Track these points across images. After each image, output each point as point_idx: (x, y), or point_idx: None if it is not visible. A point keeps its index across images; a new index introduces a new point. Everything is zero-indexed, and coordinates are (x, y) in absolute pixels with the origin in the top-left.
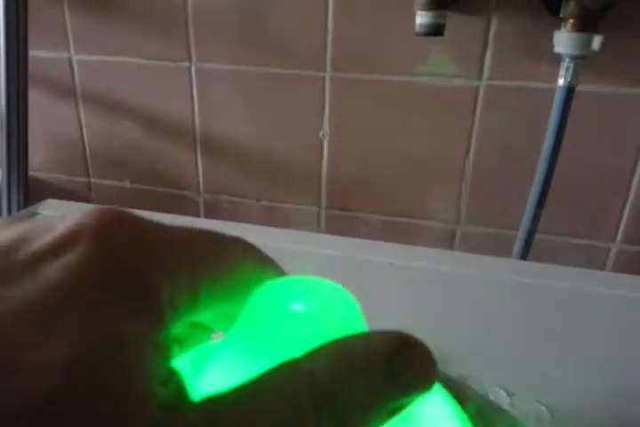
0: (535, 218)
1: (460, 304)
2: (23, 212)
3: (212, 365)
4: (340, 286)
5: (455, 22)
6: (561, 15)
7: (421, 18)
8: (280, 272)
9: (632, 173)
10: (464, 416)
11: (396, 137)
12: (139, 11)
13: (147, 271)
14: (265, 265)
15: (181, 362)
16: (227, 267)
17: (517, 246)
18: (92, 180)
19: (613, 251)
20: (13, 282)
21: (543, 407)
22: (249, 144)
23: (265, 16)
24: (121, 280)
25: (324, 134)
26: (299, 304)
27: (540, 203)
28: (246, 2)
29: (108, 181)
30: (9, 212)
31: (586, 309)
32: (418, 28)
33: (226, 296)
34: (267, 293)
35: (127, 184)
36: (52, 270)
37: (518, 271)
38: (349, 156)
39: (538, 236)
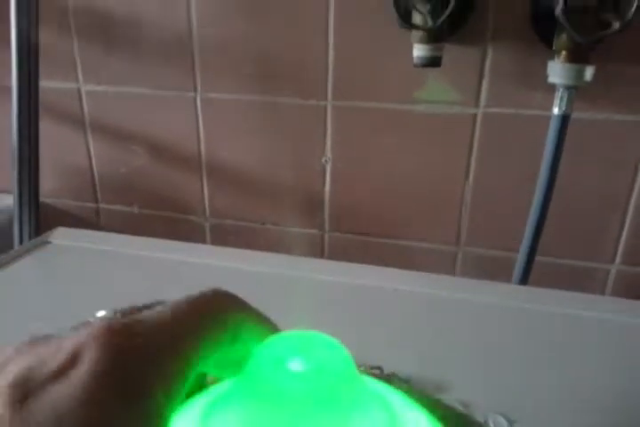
0: (534, 241)
1: (461, 329)
2: (35, 240)
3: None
4: (333, 340)
5: (453, 53)
6: (553, 47)
7: (418, 51)
8: (274, 328)
9: (628, 196)
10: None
11: (397, 162)
12: (146, 42)
13: (143, 380)
14: (261, 322)
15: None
16: (227, 338)
17: (518, 269)
18: (101, 205)
19: (612, 272)
20: (39, 395)
21: None
22: (253, 170)
23: (268, 47)
24: (122, 389)
25: (326, 160)
26: (297, 363)
27: (539, 226)
28: (250, 34)
29: (116, 207)
30: (20, 240)
31: (586, 334)
32: (415, 60)
33: (224, 359)
34: (266, 352)
35: (135, 209)
36: (64, 388)
37: (518, 297)
38: (351, 181)
39: (538, 258)
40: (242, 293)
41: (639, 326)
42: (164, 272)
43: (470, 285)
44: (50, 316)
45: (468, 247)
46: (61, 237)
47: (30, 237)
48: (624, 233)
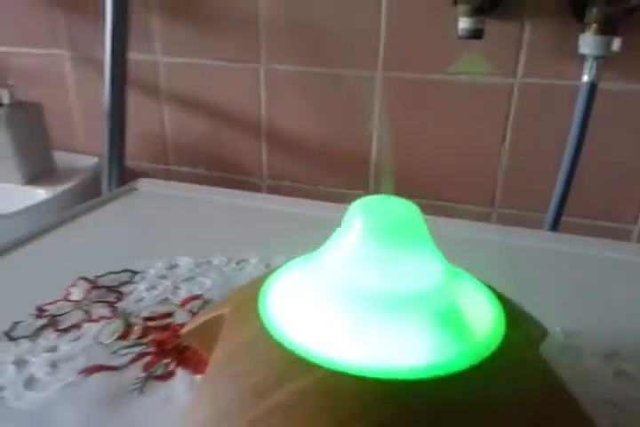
0: (562, 201)
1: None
2: (122, 188)
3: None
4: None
5: (494, 27)
6: (585, 21)
7: (463, 23)
8: None
9: None
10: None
11: (438, 129)
12: (217, 20)
13: None
14: None
15: None
16: None
17: (547, 226)
18: (171, 167)
19: (635, 232)
20: None
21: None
22: (308, 135)
23: (325, 23)
24: None
25: (372, 127)
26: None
27: (567, 187)
28: (309, 11)
29: (184, 169)
30: (109, 189)
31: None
32: (460, 33)
33: None
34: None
35: (201, 171)
36: None
37: (549, 240)
38: (397, 146)
39: (565, 218)
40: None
41: None
42: (230, 216)
43: (506, 230)
44: (135, 252)
45: (502, 209)
46: (147, 185)
47: (117, 188)
48: None
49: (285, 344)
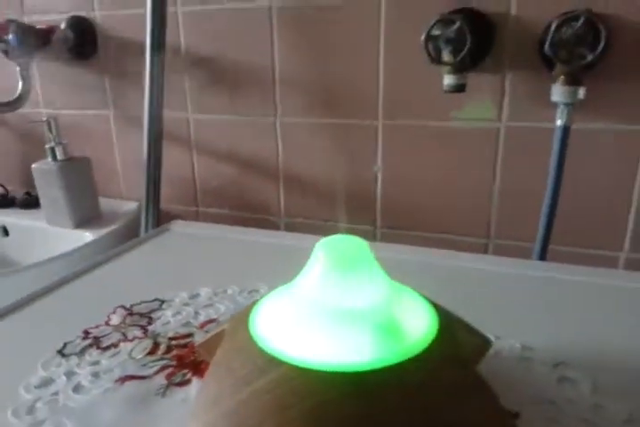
0: (547, 231)
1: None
2: (157, 229)
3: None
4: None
5: (480, 79)
6: (553, 74)
7: (447, 80)
8: None
9: (630, 193)
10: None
11: (435, 169)
12: (238, 81)
13: None
14: None
15: None
16: None
17: (535, 255)
18: (200, 209)
19: (622, 258)
20: None
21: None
22: (319, 178)
23: (332, 81)
24: None
25: (377, 169)
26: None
27: (551, 218)
28: (318, 71)
29: (211, 210)
30: (146, 230)
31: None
32: (445, 88)
33: None
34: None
35: (226, 211)
36: None
37: (537, 269)
38: (398, 186)
39: (553, 247)
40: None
41: None
42: (247, 251)
43: (499, 260)
44: (164, 284)
45: (498, 240)
46: (178, 226)
47: (153, 228)
48: (629, 224)
49: (264, 347)
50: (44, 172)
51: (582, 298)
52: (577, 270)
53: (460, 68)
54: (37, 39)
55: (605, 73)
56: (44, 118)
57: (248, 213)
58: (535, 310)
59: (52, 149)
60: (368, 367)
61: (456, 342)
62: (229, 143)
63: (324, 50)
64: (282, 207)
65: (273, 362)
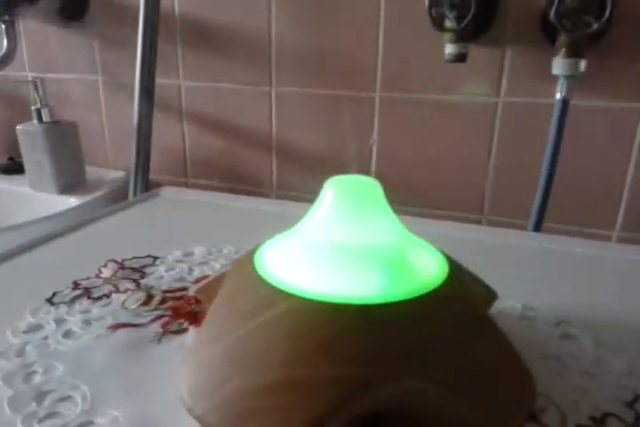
0: (542, 207)
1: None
2: (147, 193)
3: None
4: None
5: (479, 53)
6: (556, 45)
7: (448, 49)
8: None
9: (625, 171)
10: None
11: (431, 143)
12: (232, 47)
13: None
14: None
15: None
16: None
17: (529, 230)
18: (190, 180)
19: (614, 237)
20: None
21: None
22: (314, 150)
23: (329, 50)
24: None
25: (373, 142)
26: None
27: (547, 193)
28: (315, 40)
29: (201, 181)
30: (135, 195)
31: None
32: (446, 57)
33: None
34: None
35: (216, 182)
36: None
37: (533, 239)
38: (393, 159)
39: (548, 224)
40: None
41: None
42: (242, 217)
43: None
44: (157, 243)
45: (490, 216)
46: (168, 192)
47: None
48: (623, 202)
49: (270, 281)
50: (29, 134)
51: (578, 267)
52: (571, 242)
53: (462, 37)
54: None
55: (608, 48)
56: (30, 79)
57: (239, 185)
58: (533, 276)
59: (38, 111)
60: (379, 301)
61: (466, 286)
62: (221, 112)
63: (322, 18)
64: (274, 179)
65: (280, 295)
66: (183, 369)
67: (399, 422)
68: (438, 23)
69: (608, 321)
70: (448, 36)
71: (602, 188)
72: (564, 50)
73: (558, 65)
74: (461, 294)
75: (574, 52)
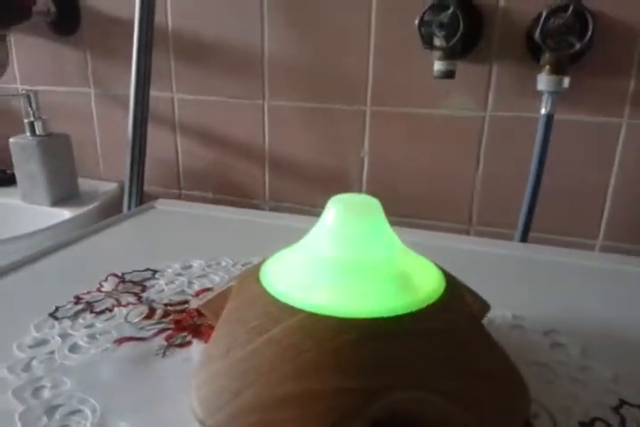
0: (529, 217)
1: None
2: (142, 206)
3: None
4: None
5: (467, 69)
6: (540, 63)
7: (437, 66)
8: None
9: (607, 183)
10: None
11: (420, 156)
12: (226, 62)
13: None
14: None
15: None
16: None
17: (516, 240)
18: (183, 191)
19: (597, 246)
20: None
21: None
22: (306, 162)
23: (321, 65)
24: None
25: (364, 154)
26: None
27: (532, 204)
28: (307, 55)
29: (194, 192)
30: (129, 209)
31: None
32: (435, 73)
33: None
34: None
35: (209, 194)
36: None
37: (520, 249)
38: (384, 171)
39: (533, 234)
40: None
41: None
42: (237, 229)
43: (483, 242)
44: (155, 256)
45: (478, 226)
46: (163, 204)
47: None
48: (605, 213)
49: (278, 297)
50: (22, 146)
51: (564, 276)
52: (557, 252)
53: (450, 55)
54: (16, 10)
55: (589, 66)
56: (22, 91)
57: (232, 196)
58: (521, 285)
59: (32, 124)
60: (384, 314)
61: (462, 298)
62: (215, 125)
63: (314, 33)
64: (267, 191)
65: (288, 311)
66: (194, 382)
67: None
68: (427, 41)
69: (594, 328)
70: (437, 53)
71: (585, 199)
72: (548, 67)
73: (543, 81)
74: (458, 306)
75: (558, 70)
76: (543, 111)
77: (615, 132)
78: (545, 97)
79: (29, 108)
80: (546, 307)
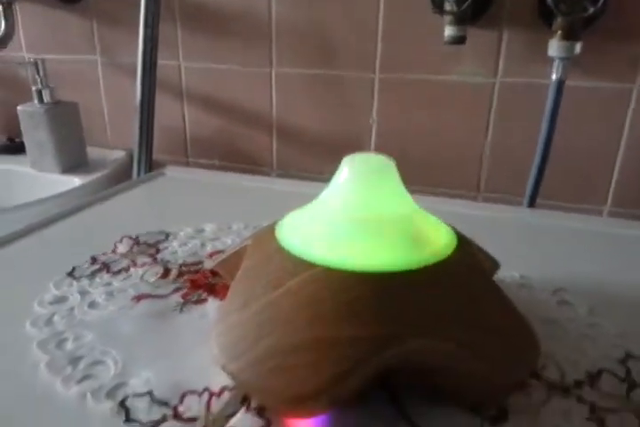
0: (537, 183)
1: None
2: (152, 173)
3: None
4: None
5: (477, 35)
6: (552, 28)
7: (448, 31)
8: None
9: (616, 149)
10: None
11: (429, 123)
12: (233, 29)
13: None
14: None
15: None
16: None
17: (525, 206)
18: (190, 159)
19: (605, 211)
20: None
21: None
22: (314, 129)
23: (329, 32)
24: None
25: (372, 121)
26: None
27: (541, 170)
28: (315, 21)
29: (202, 160)
30: (139, 176)
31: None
32: (446, 39)
33: None
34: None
35: (216, 162)
36: None
37: (527, 214)
38: (392, 138)
39: (540, 201)
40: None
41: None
42: (247, 195)
43: (491, 207)
44: (167, 220)
45: (486, 193)
46: (173, 171)
47: (146, 173)
48: (614, 178)
49: (293, 252)
50: (30, 114)
51: (571, 240)
52: (565, 217)
53: (460, 20)
54: None
55: (601, 31)
56: (28, 60)
57: (239, 163)
58: (529, 249)
59: (39, 92)
60: (398, 268)
61: (473, 255)
62: (222, 93)
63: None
64: (274, 159)
65: (304, 265)
66: (214, 333)
67: (411, 376)
68: (438, 6)
69: (601, 289)
70: (448, 18)
71: (594, 165)
72: (560, 32)
73: (554, 47)
74: (469, 262)
75: (570, 35)
76: (554, 77)
77: (627, 97)
78: (556, 63)
79: (37, 76)
80: (553, 269)
